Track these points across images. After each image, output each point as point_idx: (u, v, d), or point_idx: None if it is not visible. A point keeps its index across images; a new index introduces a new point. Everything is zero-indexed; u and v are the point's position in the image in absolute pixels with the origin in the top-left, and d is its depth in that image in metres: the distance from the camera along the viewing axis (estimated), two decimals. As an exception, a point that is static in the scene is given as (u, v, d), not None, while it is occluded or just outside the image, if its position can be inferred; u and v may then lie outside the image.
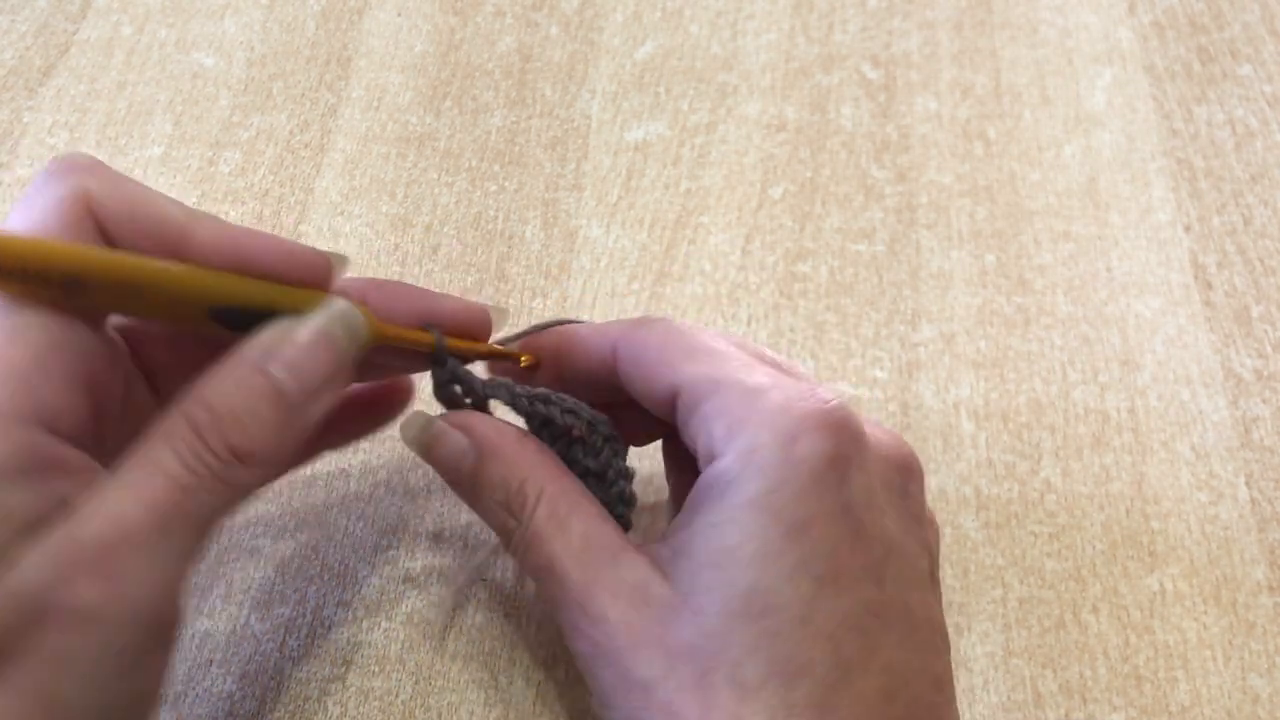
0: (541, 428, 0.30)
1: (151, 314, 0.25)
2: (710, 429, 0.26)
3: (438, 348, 0.29)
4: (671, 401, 0.27)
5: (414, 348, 0.28)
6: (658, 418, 0.29)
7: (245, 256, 0.25)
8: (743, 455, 0.25)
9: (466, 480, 0.28)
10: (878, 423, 0.30)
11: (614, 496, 0.29)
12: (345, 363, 0.25)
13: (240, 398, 0.23)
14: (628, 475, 0.30)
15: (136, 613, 0.21)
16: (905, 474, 0.28)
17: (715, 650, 0.24)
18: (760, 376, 0.26)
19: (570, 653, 0.27)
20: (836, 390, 0.36)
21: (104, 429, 0.24)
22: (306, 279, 0.26)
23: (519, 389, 0.30)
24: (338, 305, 0.25)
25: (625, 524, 0.30)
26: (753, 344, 0.29)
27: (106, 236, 0.24)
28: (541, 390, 0.30)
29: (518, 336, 0.32)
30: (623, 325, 0.29)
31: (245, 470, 0.23)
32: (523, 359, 0.31)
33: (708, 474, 0.26)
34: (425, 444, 0.29)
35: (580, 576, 0.26)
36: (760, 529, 0.24)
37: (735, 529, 0.24)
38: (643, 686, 0.24)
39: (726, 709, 0.23)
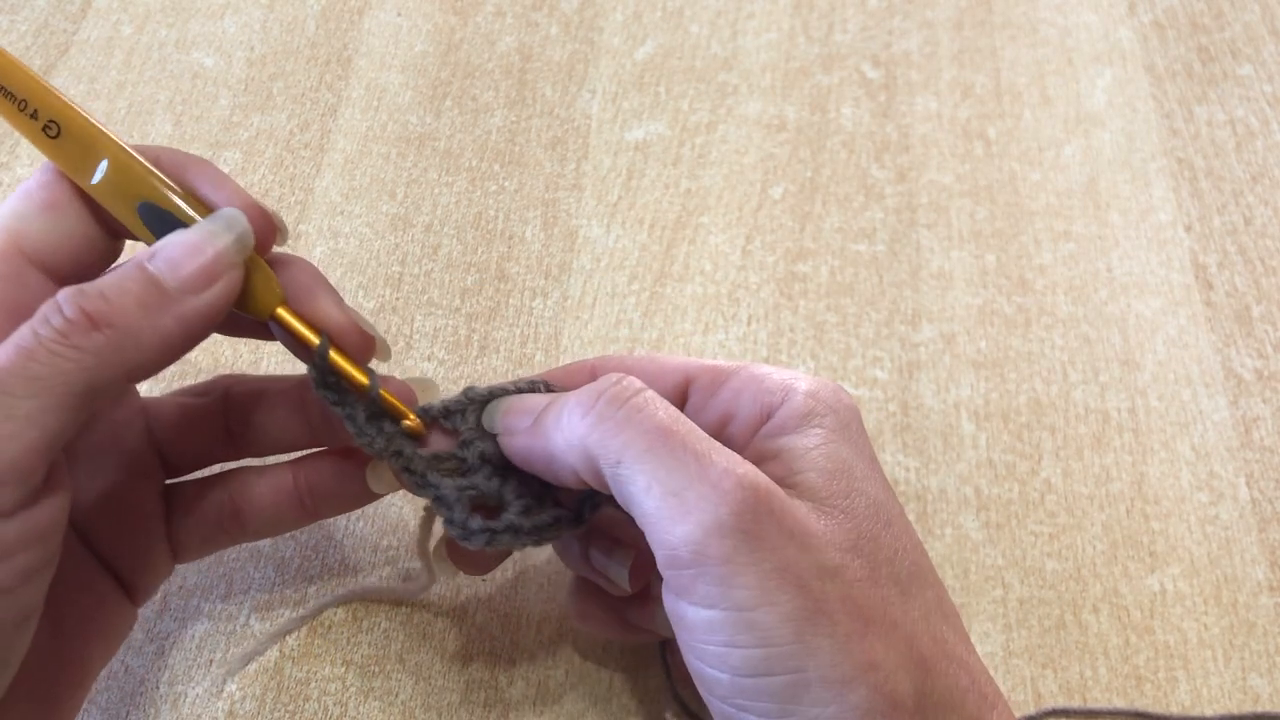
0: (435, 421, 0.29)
1: (100, 184, 0.27)
2: (756, 386, 0.28)
3: (319, 360, 0.28)
4: (680, 394, 0.30)
5: (304, 341, 0.28)
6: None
7: (189, 180, 0.27)
8: (810, 395, 0.27)
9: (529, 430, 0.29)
10: None
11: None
12: (225, 261, 0.26)
13: (113, 278, 0.25)
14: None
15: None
16: None
17: (872, 550, 0.25)
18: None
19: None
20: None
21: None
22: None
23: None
24: (225, 211, 0.27)
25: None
26: None
27: None
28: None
29: (485, 395, 0.30)
30: (593, 369, 0.30)
31: (100, 336, 0.24)
32: (408, 420, 0.29)
33: (783, 414, 0.27)
34: (493, 418, 0.30)
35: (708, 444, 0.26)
36: (855, 454, 0.27)
37: (841, 449, 0.27)
38: (832, 571, 0.24)
39: (894, 602, 0.25)
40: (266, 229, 0.27)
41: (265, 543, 0.35)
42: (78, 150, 0.27)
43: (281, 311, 0.27)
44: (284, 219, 0.42)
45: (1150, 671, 0.33)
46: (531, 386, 0.30)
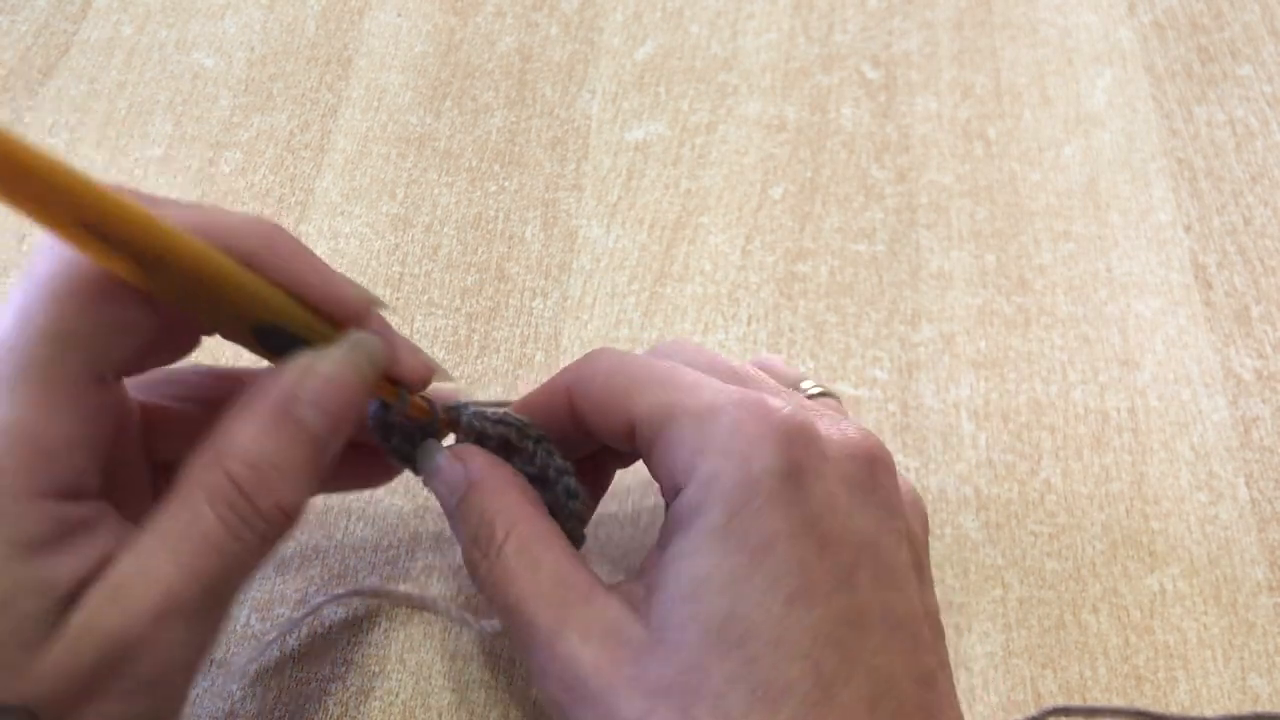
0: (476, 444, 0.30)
1: (208, 313, 0.24)
2: (671, 461, 0.26)
3: (399, 405, 0.28)
4: (633, 436, 0.27)
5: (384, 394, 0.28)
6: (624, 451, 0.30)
7: (297, 280, 0.25)
8: (703, 484, 0.25)
9: (453, 513, 0.29)
10: (841, 416, 0.29)
11: (561, 495, 0.29)
12: (366, 394, 0.25)
13: (276, 447, 0.23)
14: (569, 471, 0.29)
15: (183, 671, 0.23)
16: (871, 466, 0.27)
17: (696, 684, 0.23)
18: (709, 395, 0.26)
19: (541, 696, 0.26)
20: (828, 388, 0.36)
21: (115, 479, 0.25)
22: (340, 315, 0.26)
23: (447, 405, 0.30)
24: (360, 337, 0.26)
25: (577, 536, 0.29)
26: (703, 351, 0.30)
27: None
28: (467, 406, 0.30)
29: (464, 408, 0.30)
30: (572, 367, 0.29)
31: (289, 524, 0.23)
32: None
33: (676, 506, 0.26)
34: (429, 472, 0.30)
35: (550, 617, 0.25)
36: (727, 555, 0.24)
37: (704, 558, 0.24)
38: None
39: None
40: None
41: (265, 543, 0.35)
42: (181, 282, 0.22)
43: None
44: (285, 220, 0.42)
45: (1150, 671, 0.33)
46: (502, 420, 0.30)
